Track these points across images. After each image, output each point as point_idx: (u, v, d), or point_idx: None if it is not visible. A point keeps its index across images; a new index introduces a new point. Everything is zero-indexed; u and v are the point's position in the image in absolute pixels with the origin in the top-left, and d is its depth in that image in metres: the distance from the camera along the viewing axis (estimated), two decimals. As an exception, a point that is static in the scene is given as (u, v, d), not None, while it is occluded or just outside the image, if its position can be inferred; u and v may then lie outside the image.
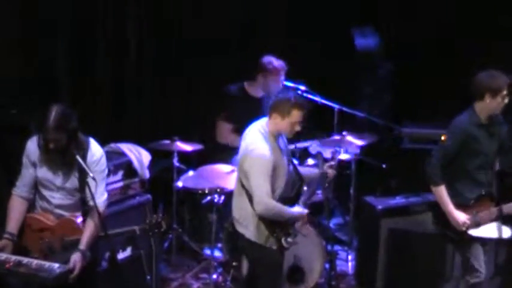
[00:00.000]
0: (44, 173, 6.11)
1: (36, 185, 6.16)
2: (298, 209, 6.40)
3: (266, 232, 6.30)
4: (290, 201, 6.40)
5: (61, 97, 8.11)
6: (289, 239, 6.36)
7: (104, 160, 6.19)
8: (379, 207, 7.83)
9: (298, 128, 6.28)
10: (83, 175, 5.99)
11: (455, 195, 6.70)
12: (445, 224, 6.73)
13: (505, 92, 6.57)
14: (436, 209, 6.79)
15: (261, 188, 6.19)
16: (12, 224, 6.09)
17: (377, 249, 8.02)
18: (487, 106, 6.64)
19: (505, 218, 6.71)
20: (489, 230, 6.70)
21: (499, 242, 6.90)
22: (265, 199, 6.17)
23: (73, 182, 6.02)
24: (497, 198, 6.79)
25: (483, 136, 6.69)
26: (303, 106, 6.26)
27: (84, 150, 6.06)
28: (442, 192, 6.67)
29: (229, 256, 7.98)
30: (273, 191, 6.25)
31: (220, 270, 8.10)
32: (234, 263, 7.82)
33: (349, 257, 8.65)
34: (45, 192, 6.13)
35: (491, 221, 6.67)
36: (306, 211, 6.45)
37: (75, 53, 8.50)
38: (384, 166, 8.83)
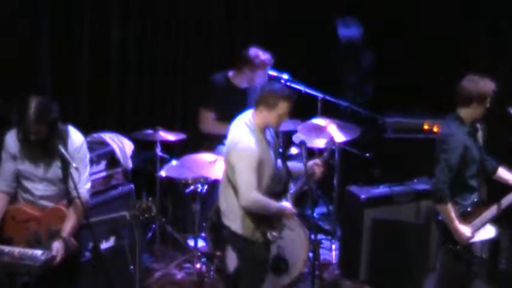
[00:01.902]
0: (25, 165, 6.10)
1: (18, 178, 6.15)
2: (285, 204, 6.42)
3: (252, 226, 6.30)
4: (277, 195, 6.42)
5: (43, 88, 8.06)
6: (275, 233, 6.37)
7: (85, 147, 6.18)
8: (363, 196, 7.84)
9: (285, 119, 6.30)
10: (65, 165, 5.96)
11: (454, 206, 6.65)
12: (447, 238, 6.70)
13: (489, 100, 6.57)
14: (441, 226, 6.75)
15: (247, 181, 6.20)
16: None
17: (360, 239, 8.05)
18: (473, 112, 6.59)
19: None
20: (484, 234, 6.71)
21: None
22: (250, 193, 6.19)
23: (55, 172, 6.00)
24: (487, 201, 6.79)
25: (472, 143, 6.65)
26: (290, 98, 6.26)
27: (64, 140, 6.04)
28: (449, 211, 6.57)
29: (212, 246, 8.00)
30: (259, 184, 6.25)
31: (203, 260, 8.09)
32: (217, 253, 7.81)
33: (333, 247, 8.63)
34: (28, 184, 6.12)
35: (485, 224, 6.66)
36: (292, 208, 6.46)
37: (58, 45, 8.42)
38: (367, 156, 8.90)
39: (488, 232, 6.70)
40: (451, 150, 6.51)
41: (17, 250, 5.90)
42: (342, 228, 8.63)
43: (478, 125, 6.74)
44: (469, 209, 6.58)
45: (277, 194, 6.44)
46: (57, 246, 5.88)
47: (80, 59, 8.73)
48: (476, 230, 6.57)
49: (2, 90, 7.73)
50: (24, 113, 5.85)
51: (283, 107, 6.22)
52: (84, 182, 6.09)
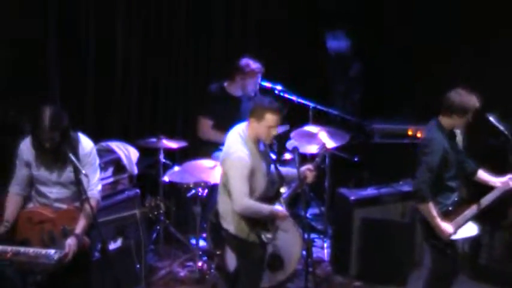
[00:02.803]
0: (40, 171, 6.16)
1: (33, 183, 6.21)
2: (278, 208, 6.44)
3: (247, 228, 6.37)
4: (271, 200, 6.46)
5: (51, 97, 8.09)
6: (269, 235, 6.40)
7: (94, 152, 6.27)
8: (352, 198, 7.92)
9: (274, 132, 6.31)
10: (76, 169, 6.04)
11: (436, 205, 6.67)
12: (430, 235, 6.73)
13: (471, 114, 6.59)
14: (423, 223, 6.78)
15: (239, 189, 6.27)
16: (9, 214, 6.16)
17: (350, 237, 8.10)
18: (454, 122, 6.65)
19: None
20: (464, 231, 6.72)
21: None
22: (242, 200, 6.26)
23: (68, 176, 6.08)
24: (468, 200, 6.81)
25: (451, 148, 6.68)
26: (276, 110, 6.28)
27: (75, 146, 6.12)
28: (430, 209, 6.61)
29: (213, 245, 8.00)
30: (253, 191, 6.31)
31: (204, 258, 8.14)
32: (217, 252, 7.81)
33: (325, 245, 8.69)
34: (43, 189, 6.19)
35: (466, 222, 6.69)
36: (285, 211, 6.47)
37: (65, 53, 8.41)
38: (356, 160, 8.92)
39: (471, 230, 6.74)
40: (432, 153, 6.55)
41: (31, 250, 5.98)
42: (333, 228, 8.68)
43: (458, 130, 6.87)
44: (450, 208, 6.61)
45: (270, 198, 6.48)
46: (69, 242, 5.96)
47: (86, 78, 8.72)
48: (458, 227, 6.61)
49: (11, 90, 7.83)
50: (38, 121, 5.92)
51: (270, 119, 6.26)
52: (95, 184, 6.19)
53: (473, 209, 6.66)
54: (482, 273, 8.14)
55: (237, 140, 6.37)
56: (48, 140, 5.94)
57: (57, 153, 6.03)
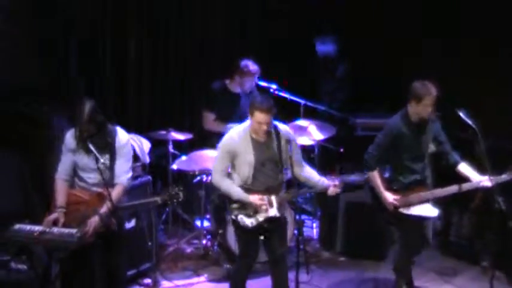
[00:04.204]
0: (80, 158, 6.36)
1: (75, 169, 6.39)
2: (253, 197, 6.40)
3: (231, 208, 6.53)
4: (272, 190, 6.47)
5: (77, 96, 7.94)
6: (253, 221, 6.41)
7: (129, 145, 6.44)
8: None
9: (263, 127, 6.32)
10: (112, 158, 6.25)
11: (393, 181, 6.84)
12: (380, 207, 6.91)
13: (427, 102, 6.68)
14: (373, 192, 6.93)
15: (215, 165, 6.51)
16: (61, 200, 6.34)
17: (337, 218, 8.29)
18: (413, 110, 6.78)
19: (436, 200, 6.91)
20: (419, 210, 6.83)
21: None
22: (214, 174, 6.50)
23: (104, 163, 6.25)
24: (429, 185, 6.94)
25: (413, 133, 6.78)
26: (264, 109, 6.28)
27: (113, 137, 6.31)
28: (375, 177, 6.82)
29: (215, 225, 8.12)
30: (237, 172, 6.43)
31: (208, 237, 8.26)
32: (219, 231, 7.92)
33: (314, 225, 8.84)
34: (83, 174, 6.39)
35: (421, 203, 6.81)
36: (257, 201, 6.37)
37: (86, 56, 8.48)
38: (341, 150, 8.98)
39: (430, 211, 6.84)
40: (384, 134, 6.83)
41: (56, 229, 6.16)
42: (321, 210, 8.79)
43: (433, 117, 6.87)
44: (406, 187, 6.77)
45: (273, 188, 6.45)
46: (91, 221, 6.11)
47: (105, 79, 8.76)
48: (409, 203, 6.74)
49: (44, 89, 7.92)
50: (78, 114, 6.14)
51: (258, 116, 6.28)
52: (126, 172, 6.36)
53: (423, 196, 6.76)
54: (451, 250, 8.32)
55: (234, 129, 6.51)
56: (85, 131, 6.14)
57: (94, 143, 6.19)
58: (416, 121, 6.83)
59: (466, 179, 6.80)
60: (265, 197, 6.46)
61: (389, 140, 6.82)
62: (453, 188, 6.83)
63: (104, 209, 6.20)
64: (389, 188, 6.88)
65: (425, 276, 7.78)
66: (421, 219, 6.91)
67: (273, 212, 6.48)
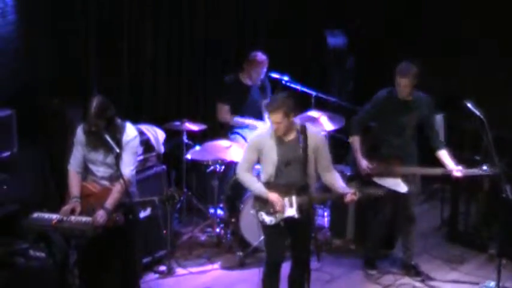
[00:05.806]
0: (89, 152, 6.39)
1: (85, 162, 6.43)
2: (272, 195, 6.30)
3: (256, 204, 6.49)
4: (295, 190, 6.35)
5: (91, 89, 8.03)
6: (272, 218, 6.32)
7: (136, 141, 6.44)
8: (348, 173, 7.86)
9: (279, 126, 6.23)
10: (119, 153, 6.21)
11: (374, 150, 7.08)
12: (356, 173, 7.14)
13: (398, 81, 6.87)
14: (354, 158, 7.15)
15: (241, 160, 6.54)
16: (75, 190, 6.38)
17: (347, 207, 8.24)
18: (396, 87, 6.99)
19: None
20: (390, 182, 6.97)
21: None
22: (239, 168, 6.50)
23: (112, 158, 6.27)
24: (411, 162, 7.07)
25: (398, 109, 6.96)
26: (268, 109, 6.29)
27: (121, 133, 6.31)
28: (355, 142, 7.10)
29: (228, 214, 8.16)
30: (263, 169, 6.42)
31: (222, 225, 8.28)
32: (232, 220, 8.00)
33: (325, 214, 8.76)
34: (92, 167, 6.43)
35: (393, 176, 6.96)
36: (275, 199, 6.25)
37: (103, 53, 8.40)
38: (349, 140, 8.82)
39: (400, 186, 6.99)
40: (371, 103, 7.14)
41: (73, 218, 6.24)
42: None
43: (425, 99, 7.04)
44: (383, 157, 7.00)
45: (301, 187, 6.30)
46: (97, 214, 6.16)
47: (121, 73, 8.67)
48: (381, 173, 6.95)
49: (56, 81, 7.91)
50: (87, 109, 6.15)
51: (272, 117, 6.22)
52: (128, 165, 6.32)
53: (389, 168, 6.96)
54: (458, 238, 8.32)
55: (265, 127, 6.60)
56: (93, 125, 6.15)
57: (102, 137, 6.19)
58: (407, 98, 7.01)
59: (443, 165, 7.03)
60: (286, 197, 6.36)
61: (373, 111, 7.10)
62: (423, 170, 7.08)
63: (108, 203, 6.24)
64: (369, 156, 7.11)
65: (432, 264, 7.84)
66: (391, 192, 7.00)
67: (291, 212, 6.36)
